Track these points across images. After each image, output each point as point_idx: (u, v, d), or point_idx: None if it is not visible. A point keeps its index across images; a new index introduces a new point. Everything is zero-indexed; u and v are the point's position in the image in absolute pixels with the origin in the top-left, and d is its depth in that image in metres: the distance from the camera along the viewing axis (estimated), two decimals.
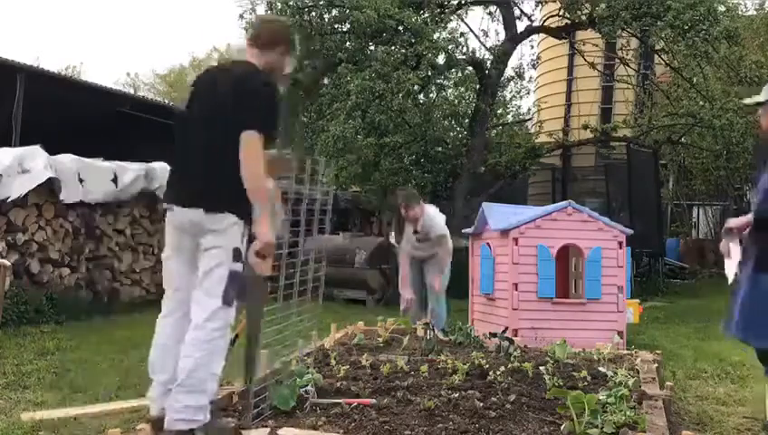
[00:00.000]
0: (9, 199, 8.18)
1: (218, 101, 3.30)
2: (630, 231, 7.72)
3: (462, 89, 13.45)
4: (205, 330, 3.19)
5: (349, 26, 11.71)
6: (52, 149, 8.91)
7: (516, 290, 7.27)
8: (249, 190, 3.16)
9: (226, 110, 3.23)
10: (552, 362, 4.87)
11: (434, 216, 7.02)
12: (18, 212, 8.44)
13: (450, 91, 13.70)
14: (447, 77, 12.88)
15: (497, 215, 7.84)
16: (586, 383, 4.40)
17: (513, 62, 15.53)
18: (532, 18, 15.09)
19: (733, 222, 3.96)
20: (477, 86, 12.83)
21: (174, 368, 3.30)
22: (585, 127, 14.73)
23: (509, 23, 13.80)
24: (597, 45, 14.88)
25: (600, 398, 3.75)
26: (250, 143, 3.14)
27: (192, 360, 3.18)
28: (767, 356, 3.85)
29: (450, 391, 4.00)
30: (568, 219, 7.45)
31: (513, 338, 5.91)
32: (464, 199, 12.38)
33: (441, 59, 11.97)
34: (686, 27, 10.78)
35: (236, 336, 4.47)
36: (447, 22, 12.37)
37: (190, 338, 3.21)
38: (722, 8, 11.47)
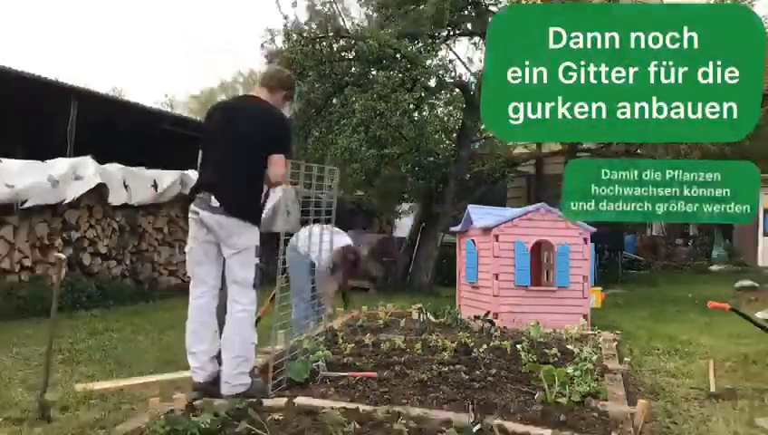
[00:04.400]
0: (65, 202, 8.20)
1: (247, 132, 3.54)
2: (594, 229, 7.72)
3: (451, 108, 13.35)
4: (247, 311, 3.49)
5: (354, 54, 11.69)
6: (102, 159, 8.92)
7: (497, 279, 7.28)
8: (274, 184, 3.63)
9: (255, 139, 3.52)
10: (527, 340, 4.87)
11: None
12: (72, 213, 8.46)
13: (441, 109, 13.60)
14: (438, 97, 12.83)
15: (480, 215, 7.85)
16: (556, 359, 4.39)
17: None
18: None
19: None
20: (463, 105, 12.79)
21: (210, 339, 3.52)
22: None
23: None
24: None
25: (568, 371, 3.75)
26: (279, 163, 3.55)
27: (241, 337, 3.44)
28: None
29: (440, 366, 4.00)
30: (541, 219, 7.46)
31: (494, 320, 5.91)
32: (452, 202, 12.36)
33: (433, 82, 11.93)
34: None
35: (259, 318, 4.48)
36: (438, 50, 12.30)
37: (237, 318, 3.45)
38: None
